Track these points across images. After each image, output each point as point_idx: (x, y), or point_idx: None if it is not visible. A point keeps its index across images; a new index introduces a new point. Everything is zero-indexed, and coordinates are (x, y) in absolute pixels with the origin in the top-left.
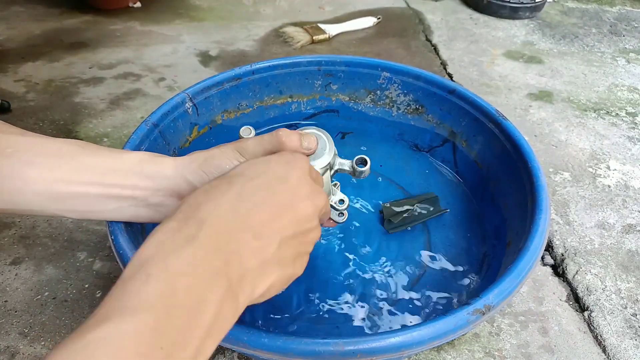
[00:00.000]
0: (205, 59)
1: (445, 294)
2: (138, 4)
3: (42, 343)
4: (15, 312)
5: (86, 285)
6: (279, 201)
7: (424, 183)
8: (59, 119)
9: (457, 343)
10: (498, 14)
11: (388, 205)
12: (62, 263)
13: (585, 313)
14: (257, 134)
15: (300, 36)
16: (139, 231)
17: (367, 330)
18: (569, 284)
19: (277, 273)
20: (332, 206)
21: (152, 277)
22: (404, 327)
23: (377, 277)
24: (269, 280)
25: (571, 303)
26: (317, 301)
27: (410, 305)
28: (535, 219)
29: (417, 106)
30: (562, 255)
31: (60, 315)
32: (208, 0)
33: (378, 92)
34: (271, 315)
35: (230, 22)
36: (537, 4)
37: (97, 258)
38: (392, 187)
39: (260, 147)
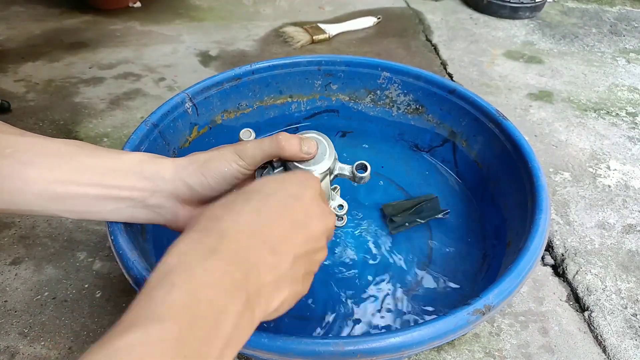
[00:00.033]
0: (205, 59)
1: (445, 294)
2: (138, 4)
3: (42, 343)
4: (15, 312)
5: (86, 285)
6: (294, 219)
7: (424, 183)
8: (59, 119)
9: (457, 343)
10: (498, 14)
11: (390, 205)
12: (62, 263)
13: (586, 313)
14: (257, 137)
15: (300, 36)
16: (138, 231)
17: (367, 330)
18: (569, 284)
19: (289, 289)
20: None
21: (176, 287)
22: (404, 327)
23: (378, 276)
24: (282, 295)
25: (571, 303)
26: (317, 301)
27: (411, 305)
28: (536, 219)
29: (417, 106)
30: (562, 255)
31: (60, 315)
32: (208, 0)
33: (378, 92)
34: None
35: (230, 22)
36: (537, 4)
37: (97, 258)
38: (392, 187)
39: (259, 151)
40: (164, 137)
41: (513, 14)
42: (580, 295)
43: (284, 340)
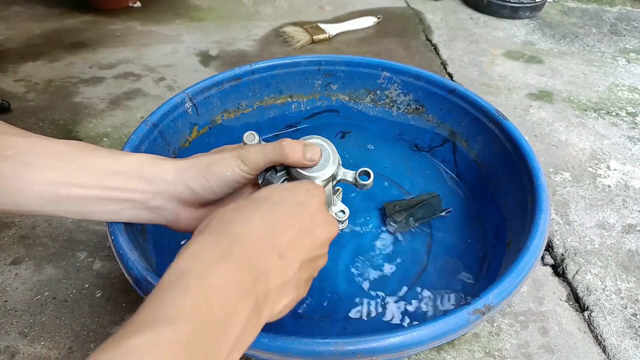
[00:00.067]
0: (205, 59)
1: (445, 294)
2: (138, 4)
3: (42, 343)
4: (15, 312)
5: (86, 285)
6: (301, 226)
7: (424, 183)
8: (59, 119)
9: (457, 343)
10: (498, 14)
11: (391, 205)
12: (62, 263)
13: (585, 313)
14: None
15: (300, 36)
16: (138, 231)
17: (366, 330)
18: (569, 284)
19: (293, 294)
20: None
21: (189, 289)
22: (404, 327)
23: (378, 276)
24: (287, 299)
25: (571, 303)
26: (317, 300)
27: (411, 305)
28: (535, 219)
29: (417, 106)
30: (562, 255)
31: (60, 315)
32: (208, 0)
33: (378, 91)
34: None
35: (230, 22)
36: (537, 3)
37: (97, 258)
38: (392, 187)
39: (262, 157)
40: (164, 137)
41: (513, 13)
42: (580, 295)
43: (284, 340)
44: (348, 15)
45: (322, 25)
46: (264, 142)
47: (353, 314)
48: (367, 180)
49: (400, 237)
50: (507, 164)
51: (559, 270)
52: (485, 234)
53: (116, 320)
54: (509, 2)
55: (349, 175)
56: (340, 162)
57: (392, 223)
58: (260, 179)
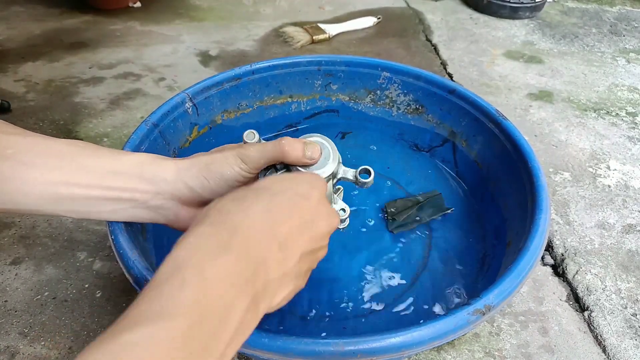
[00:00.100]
0: (205, 59)
1: (445, 294)
2: (138, 4)
3: (42, 343)
4: (15, 312)
5: (86, 285)
6: (302, 217)
7: (424, 183)
8: (59, 119)
9: (457, 343)
10: (498, 14)
11: (392, 204)
12: (62, 263)
13: (585, 313)
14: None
15: (300, 36)
16: (138, 231)
17: (366, 330)
18: (569, 284)
19: (292, 285)
20: None
21: (187, 282)
22: (404, 327)
23: (378, 276)
24: (285, 291)
25: (571, 303)
26: (318, 300)
27: (410, 305)
28: (535, 219)
29: (417, 106)
30: (562, 255)
31: (60, 315)
32: (208, 0)
33: (378, 92)
34: (272, 315)
35: (230, 22)
36: (537, 3)
37: (97, 258)
38: (392, 187)
39: (262, 156)
40: (164, 137)
41: (513, 14)
42: (580, 295)
43: (284, 340)
44: (348, 15)
45: (322, 26)
46: (264, 141)
47: (353, 313)
48: (367, 179)
49: (400, 237)
50: (507, 164)
51: (559, 270)
52: (485, 234)
53: (117, 320)
54: (509, 2)
55: (349, 173)
56: (341, 160)
57: (393, 223)
58: (260, 177)
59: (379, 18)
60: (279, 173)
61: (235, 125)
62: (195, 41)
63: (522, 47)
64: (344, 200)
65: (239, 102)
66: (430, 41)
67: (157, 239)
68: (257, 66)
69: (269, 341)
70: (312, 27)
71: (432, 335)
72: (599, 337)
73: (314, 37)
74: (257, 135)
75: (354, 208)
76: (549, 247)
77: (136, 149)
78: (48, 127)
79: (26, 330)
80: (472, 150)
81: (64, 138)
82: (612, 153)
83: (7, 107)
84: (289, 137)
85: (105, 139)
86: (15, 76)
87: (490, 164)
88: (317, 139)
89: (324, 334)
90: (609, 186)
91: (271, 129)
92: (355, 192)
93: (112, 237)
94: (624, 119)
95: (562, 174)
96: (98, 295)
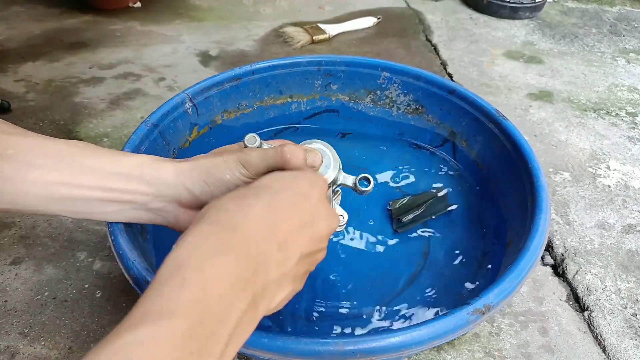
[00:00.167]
0: (205, 59)
1: (445, 294)
2: (138, 4)
3: (42, 343)
4: (15, 312)
5: (86, 285)
6: (302, 217)
7: (424, 183)
8: (59, 119)
9: (457, 343)
10: (498, 14)
11: (396, 204)
12: (62, 263)
13: (585, 313)
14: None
15: (300, 36)
16: (138, 231)
17: (366, 330)
18: (569, 284)
19: (291, 287)
20: None
21: (187, 282)
22: (404, 327)
23: (378, 275)
24: (284, 293)
25: (571, 303)
26: (317, 299)
27: (410, 305)
28: (535, 219)
29: (417, 106)
30: (562, 255)
31: (60, 315)
32: (208, 0)
33: (378, 92)
34: (272, 316)
35: (230, 22)
36: (537, 4)
37: (97, 258)
38: (392, 187)
39: (263, 162)
40: (164, 137)
41: (513, 14)
42: (580, 295)
43: (284, 340)
44: (348, 15)
45: (322, 26)
46: (265, 144)
47: (353, 313)
48: (366, 187)
49: (400, 237)
50: (507, 164)
51: (559, 270)
52: (485, 234)
53: (116, 320)
54: (509, 2)
55: (349, 180)
56: (341, 167)
57: (398, 223)
58: None
59: (379, 18)
60: None
61: (235, 126)
62: (195, 41)
63: (522, 47)
64: (344, 199)
65: (239, 102)
66: (430, 41)
67: (156, 239)
68: (257, 66)
69: (269, 341)
70: (312, 27)
71: (432, 335)
72: (599, 337)
73: (314, 37)
74: (258, 140)
75: (356, 208)
76: (549, 247)
77: (136, 149)
78: (48, 127)
79: (26, 330)
80: (472, 150)
81: (64, 138)
82: (612, 153)
83: (7, 107)
84: (290, 144)
85: (105, 139)
86: (15, 76)
87: (490, 164)
88: (318, 145)
89: (323, 334)
90: (609, 186)
91: (271, 129)
92: (348, 194)
93: (112, 237)
94: (624, 119)
95: (562, 174)
96: (98, 295)
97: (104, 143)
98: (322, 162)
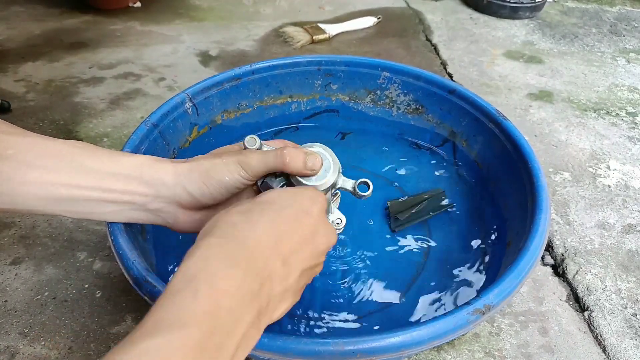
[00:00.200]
0: (205, 59)
1: (445, 294)
2: (138, 4)
3: (42, 343)
4: (15, 312)
5: (86, 285)
6: (304, 233)
7: (424, 183)
8: (59, 119)
9: (457, 343)
10: (498, 14)
11: (394, 203)
12: (62, 263)
13: (585, 313)
14: (260, 138)
15: (300, 36)
16: (138, 231)
17: (366, 330)
18: (569, 284)
19: (291, 300)
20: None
21: (200, 294)
22: (404, 327)
23: (378, 275)
24: (285, 306)
25: (571, 303)
26: (317, 299)
27: (410, 305)
28: (536, 219)
29: (417, 106)
30: (562, 255)
31: (60, 315)
32: (208, 0)
33: (378, 92)
34: None
35: (230, 22)
36: (537, 3)
37: (97, 258)
38: (392, 187)
39: (263, 164)
40: (164, 137)
41: (513, 14)
42: (580, 295)
43: (284, 340)
44: (348, 15)
45: (322, 26)
46: (265, 146)
47: (352, 313)
48: (366, 192)
49: (400, 237)
50: (507, 164)
51: (559, 270)
52: (485, 234)
53: (116, 320)
54: (509, 2)
55: (348, 184)
56: (341, 171)
57: (396, 221)
58: (259, 182)
59: (379, 18)
60: (277, 179)
61: (235, 126)
62: (195, 41)
63: (522, 47)
64: (344, 199)
65: (239, 102)
66: (430, 41)
67: (156, 239)
68: (257, 66)
69: (269, 341)
70: (312, 27)
71: (432, 335)
72: (599, 337)
73: (314, 37)
74: (258, 141)
75: (355, 208)
76: (549, 247)
77: (136, 149)
78: (48, 127)
79: (26, 330)
80: (472, 150)
81: (64, 138)
82: (612, 153)
83: (7, 107)
84: (290, 147)
85: (105, 139)
86: (15, 76)
87: (490, 164)
88: (318, 149)
89: (323, 334)
90: (609, 186)
91: (271, 129)
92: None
93: (112, 237)
94: (624, 119)
95: (562, 174)
96: (98, 295)
97: (104, 143)
98: (321, 165)
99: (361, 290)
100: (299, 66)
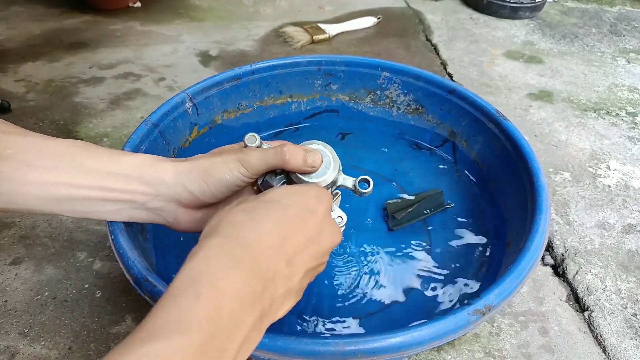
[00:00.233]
0: (205, 59)
1: (445, 294)
2: (138, 4)
3: (42, 343)
4: (15, 312)
5: (86, 285)
6: (308, 233)
7: (424, 183)
8: (59, 119)
9: (457, 343)
10: (498, 14)
11: (392, 203)
12: (62, 263)
13: (586, 313)
14: (261, 138)
15: (300, 36)
16: (138, 231)
17: (366, 330)
18: (569, 284)
19: (293, 300)
20: None
21: (201, 297)
22: (404, 327)
23: (378, 275)
24: (287, 306)
25: (571, 303)
26: (317, 299)
27: (410, 305)
28: (536, 219)
29: (417, 106)
30: (562, 255)
31: (60, 315)
32: (208, 0)
33: (378, 92)
34: None
35: (230, 22)
36: (537, 3)
37: (97, 258)
38: (392, 187)
39: (263, 162)
40: (164, 137)
41: (513, 14)
42: (580, 295)
43: (284, 340)
44: (348, 15)
45: (322, 25)
46: (265, 144)
47: (352, 314)
48: (366, 189)
49: (400, 237)
50: (507, 164)
51: (559, 270)
52: (486, 234)
53: (116, 320)
54: (509, 2)
55: (348, 181)
56: (341, 168)
57: (393, 220)
58: (259, 180)
59: (379, 18)
60: (277, 177)
61: (235, 125)
62: (195, 41)
63: (522, 47)
64: (343, 199)
65: (239, 102)
66: (430, 41)
67: (156, 239)
68: (257, 66)
69: (269, 341)
70: (312, 27)
71: (432, 336)
72: (599, 337)
73: (314, 37)
74: (258, 139)
75: (354, 207)
76: (549, 247)
77: (136, 149)
78: (48, 127)
79: (26, 330)
80: (472, 150)
81: (64, 138)
82: (612, 153)
83: (7, 107)
84: (290, 144)
85: (105, 139)
86: (15, 76)
87: (490, 164)
88: (318, 146)
89: (324, 334)
90: (609, 186)
91: (271, 129)
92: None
93: (112, 237)
94: (624, 119)
95: (562, 174)
96: (98, 295)
97: (104, 143)
98: (321, 162)
99: (361, 291)
100: (299, 66)
